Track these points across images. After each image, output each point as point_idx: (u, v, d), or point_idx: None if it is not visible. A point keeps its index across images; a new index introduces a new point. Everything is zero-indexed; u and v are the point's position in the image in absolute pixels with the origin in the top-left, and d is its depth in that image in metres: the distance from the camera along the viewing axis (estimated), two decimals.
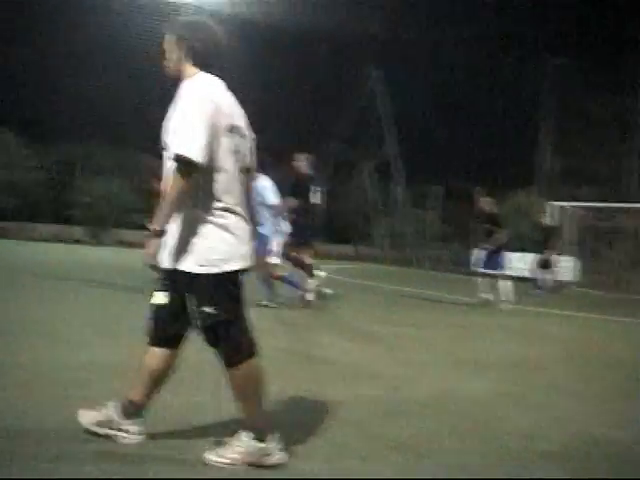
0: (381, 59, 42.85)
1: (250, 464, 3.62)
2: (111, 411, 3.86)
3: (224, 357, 3.71)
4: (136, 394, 3.87)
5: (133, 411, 3.86)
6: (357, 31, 43.25)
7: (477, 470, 3.88)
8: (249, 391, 3.71)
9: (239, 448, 3.65)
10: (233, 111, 3.79)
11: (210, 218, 3.65)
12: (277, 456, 3.67)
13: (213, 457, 3.64)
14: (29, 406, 4.41)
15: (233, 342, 3.68)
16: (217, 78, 3.83)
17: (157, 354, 3.84)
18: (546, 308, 15.14)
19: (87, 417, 3.89)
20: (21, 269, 16.05)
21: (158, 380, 3.87)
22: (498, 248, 14.48)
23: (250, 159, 3.95)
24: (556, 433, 4.72)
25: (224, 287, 3.66)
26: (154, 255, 3.64)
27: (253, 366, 3.71)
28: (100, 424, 3.84)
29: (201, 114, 3.57)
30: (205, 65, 3.82)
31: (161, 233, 3.59)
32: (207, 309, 3.62)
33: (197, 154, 3.51)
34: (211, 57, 3.85)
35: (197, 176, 3.57)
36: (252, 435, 3.65)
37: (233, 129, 3.72)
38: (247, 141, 3.90)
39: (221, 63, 3.91)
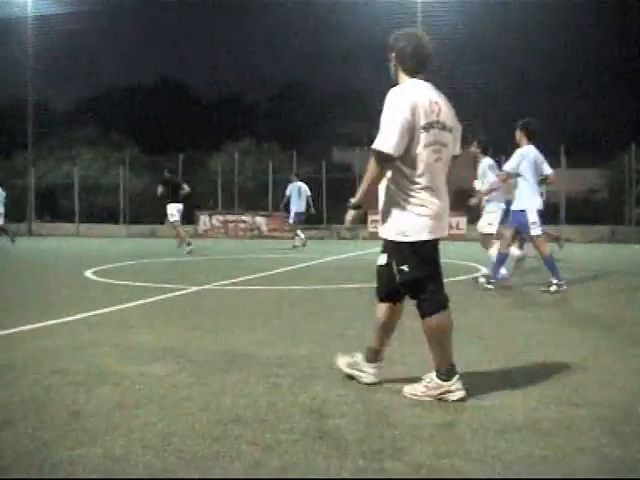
0: None
1: (436, 397, 4.49)
2: (358, 357, 4.95)
3: (418, 309, 4.63)
4: (374, 343, 4.90)
5: (372, 357, 4.89)
6: None
7: None
8: (437, 339, 4.58)
9: (427, 384, 4.56)
10: (434, 109, 4.52)
11: (406, 197, 4.53)
12: (458, 393, 4.48)
13: (408, 390, 4.59)
14: None
15: (425, 296, 4.57)
16: (423, 82, 4.66)
17: (384, 308, 4.79)
18: None
19: (342, 360, 5.07)
20: None
21: (388, 330, 4.87)
22: None
23: (453, 148, 4.75)
24: None
25: (417, 252, 4.52)
26: (349, 224, 4.79)
27: (442, 318, 4.57)
28: (349, 365, 4.98)
29: (397, 116, 4.40)
30: (411, 72, 4.68)
31: (357, 207, 4.68)
32: (404, 268, 4.53)
33: (389, 148, 4.39)
34: (418, 65, 4.68)
35: (394, 164, 4.48)
36: (438, 375, 4.54)
37: (432, 125, 4.50)
38: (451, 133, 4.67)
39: (428, 69, 4.73)
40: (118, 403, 4.40)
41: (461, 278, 12.08)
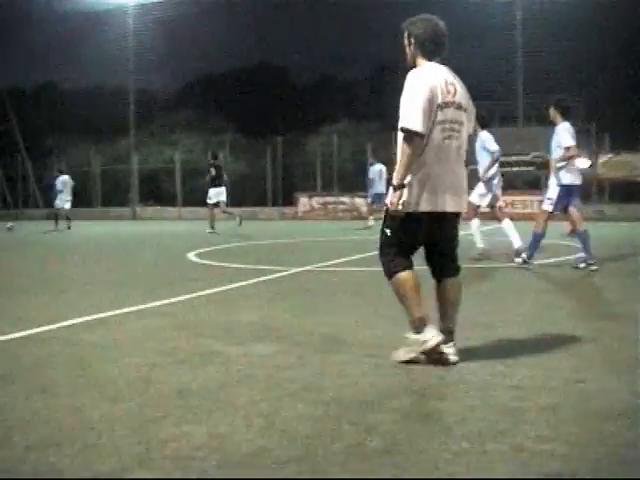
0: None
1: (421, 353, 4.81)
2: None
3: (383, 269, 5.05)
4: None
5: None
6: None
7: None
8: (401, 297, 4.92)
9: (407, 342, 4.91)
10: (450, 90, 4.83)
11: (414, 172, 4.75)
12: (433, 340, 4.73)
13: (395, 355, 4.94)
14: None
15: (388, 259, 4.98)
16: (439, 65, 4.95)
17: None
18: None
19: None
20: None
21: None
22: None
23: (468, 127, 5.03)
24: None
25: (407, 223, 4.80)
26: (395, 203, 4.76)
27: (402, 279, 4.89)
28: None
29: (418, 96, 4.70)
30: (429, 55, 4.95)
31: (401, 186, 4.74)
32: (386, 230, 4.95)
33: (417, 126, 4.66)
34: (433, 49, 4.96)
35: (420, 141, 4.70)
36: (412, 330, 4.87)
37: (448, 104, 4.79)
38: (466, 112, 4.96)
39: (443, 52, 5.01)
40: (222, 382, 4.48)
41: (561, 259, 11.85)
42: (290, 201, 35.23)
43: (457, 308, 5.05)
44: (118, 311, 7.14)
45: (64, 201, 26.35)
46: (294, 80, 57.20)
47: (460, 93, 4.91)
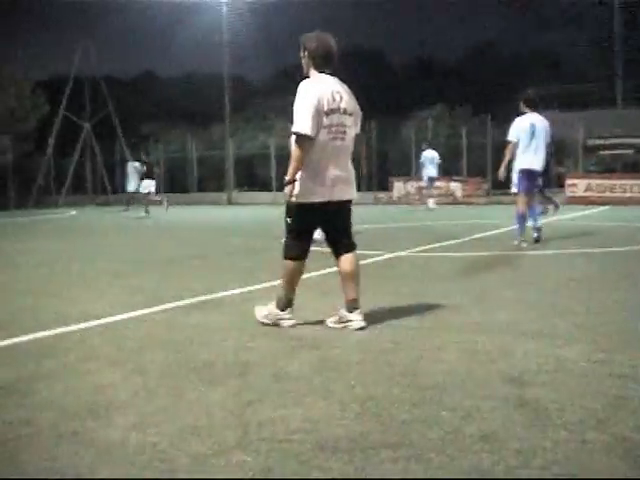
0: None
1: (270, 322, 5.75)
2: (341, 312, 5.76)
3: (283, 251, 5.81)
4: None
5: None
6: None
7: None
8: (285, 277, 5.77)
9: (266, 309, 5.83)
10: (336, 98, 5.55)
11: (305, 169, 5.51)
12: (288, 322, 5.75)
13: (257, 311, 5.92)
14: None
15: (287, 242, 5.75)
16: (328, 76, 5.65)
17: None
18: None
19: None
20: None
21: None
22: None
23: (355, 128, 5.82)
24: None
25: (304, 210, 5.58)
26: (288, 195, 5.55)
27: (292, 266, 5.74)
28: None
29: (307, 104, 5.42)
30: (319, 67, 5.65)
31: (290, 182, 5.51)
32: (288, 220, 5.68)
33: (306, 130, 5.39)
34: (325, 61, 5.66)
35: (310, 143, 5.43)
36: (275, 304, 5.78)
37: (334, 110, 5.52)
38: (352, 116, 5.73)
39: (332, 65, 5.71)
40: (318, 367, 4.50)
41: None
42: (384, 186, 35.11)
43: (356, 279, 5.80)
44: (215, 295, 7.25)
45: (140, 186, 27.32)
46: (389, 64, 56.92)
47: (346, 100, 5.66)
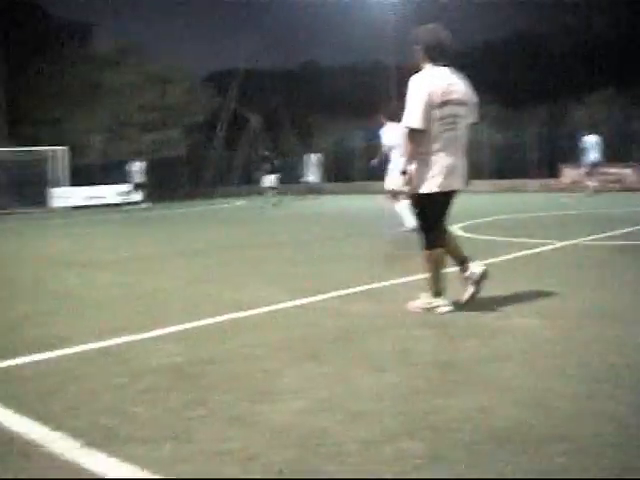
0: None
1: (424, 309, 5.83)
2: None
3: (422, 243, 5.95)
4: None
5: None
6: None
7: None
8: (431, 268, 5.90)
9: (420, 300, 5.93)
10: (449, 89, 5.67)
11: (422, 159, 5.70)
12: (444, 309, 5.79)
13: (410, 304, 5.96)
14: None
15: (426, 234, 5.90)
16: (442, 68, 5.77)
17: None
18: None
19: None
20: None
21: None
22: None
23: (471, 117, 5.94)
24: None
25: (428, 201, 5.79)
26: (403, 186, 5.94)
27: (432, 255, 5.88)
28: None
29: (418, 98, 5.59)
30: (434, 60, 5.79)
31: (403, 172, 5.82)
32: (416, 212, 6.00)
33: (417, 123, 5.60)
34: (439, 54, 5.79)
35: (422, 135, 5.63)
36: (430, 294, 5.88)
37: (447, 102, 5.64)
38: (467, 106, 5.84)
39: (447, 57, 5.82)
40: (484, 356, 4.45)
41: None
42: (554, 173, 34.18)
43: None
44: (382, 283, 7.28)
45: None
46: (554, 48, 55.27)
47: (460, 91, 5.78)
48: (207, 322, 5.79)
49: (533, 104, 38.41)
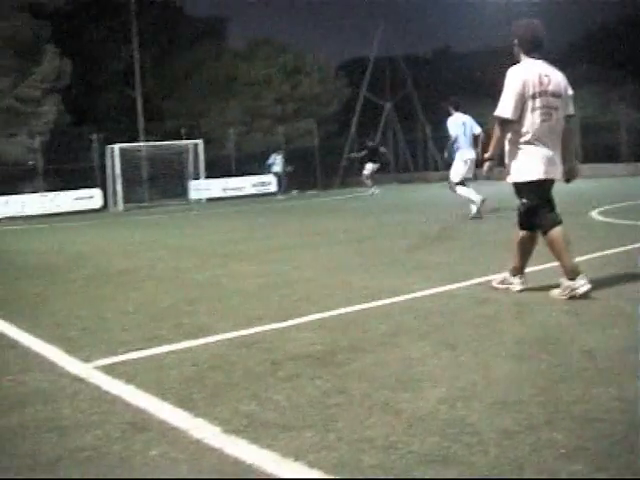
0: None
1: (567, 294, 5.78)
2: (506, 274, 6.33)
3: (538, 229, 6.05)
4: (516, 262, 6.27)
5: (516, 272, 6.28)
6: None
7: None
8: (556, 249, 5.94)
9: (562, 286, 5.87)
10: (543, 81, 5.84)
11: (519, 148, 5.94)
12: (583, 288, 5.73)
13: (556, 293, 5.92)
14: None
15: (539, 219, 6.01)
16: (537, 60, 5.97)
17: (525, 235, 6.19)
18: None
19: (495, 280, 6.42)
20: None
21: (527, 252, 6.26)
22: None
23: (565, 109, 6.04)
24: None
25: (530, 188, 5.97)
26: (486, 171, 6.52)
27: (555, 234, 5.92)
28: (501, 282, 6.33)
29: (512, 89, 5.84)
30: (529, 52, 6.00)
31: (490, 159, 6.27)
32: (524, 200, 6.07)
33: (507, 114, 5.85)
34: (532, 47, 6.00)
35: (511, 125, 5.90)
36: (566, 277, 5.86)
37: (541, 94, 5.83)
38: (561, 98, 5.95)
39: (541, 49, 6.03)
40: (631, 345, 4.31)
41: None
42: None
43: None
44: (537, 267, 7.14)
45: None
46: None
47: (555, 82, 5.92)
48: (346, 310, 5.85)
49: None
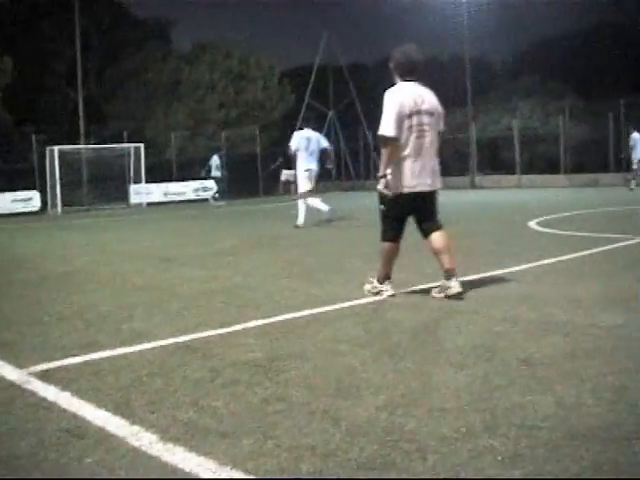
0: None
1: (372, 293, 6.58)
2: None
3: (382, 235, 6.61)
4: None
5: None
6: None
7: None
8: (383, 257, 6.58)
9: (368, 286, 6.71)
10: (417, 102, 6.34)
11: (395, 163, 6.34)
12: (387, 293, 6.51)
13: (364, 288, 6.72)
14: None
15: (383, 228, 6.56)
16: (411, 83, 6.47)
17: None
18: None
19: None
20: None
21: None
22: None
23: (438, 126, 6.53)
24: None
25: (398, 200, 6.38)
26: (382, 188, 6.45)
27: (388, 247, 6.54)
28: (439, 291, 6.45)
29: (390, 109, 6.27)
30: (404, 76, 6.52)
31: (383, 176, 6.40)
32: (382, 207, 6.55)
33: (391, 132, 6.26)
34: (408, 71, 6.52)
35: (396, 142, 6.29)
36: (377, 280, 6.63)
37: (415, 113, 6.31)
38: (433, 116, 6.46)
39: (416, 73, 6.55)
40: (568, 353, 4.38)
41: None
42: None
43: (449, 251, 6.47)
44: (460, 278, 7.20)
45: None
46: (635, 39, 53.88)
47: (427, 102, 6.44)
48: (287, 317, 5.83)
49: (613, 96, 37.56)
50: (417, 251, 9.93)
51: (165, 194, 33.07)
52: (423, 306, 6.06)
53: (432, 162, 6.52)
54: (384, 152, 6.43)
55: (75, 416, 3.65)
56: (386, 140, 6.35)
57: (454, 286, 6.31)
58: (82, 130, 36.53)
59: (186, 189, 33.81)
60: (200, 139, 39.38)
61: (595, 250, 9.06)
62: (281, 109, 44.55)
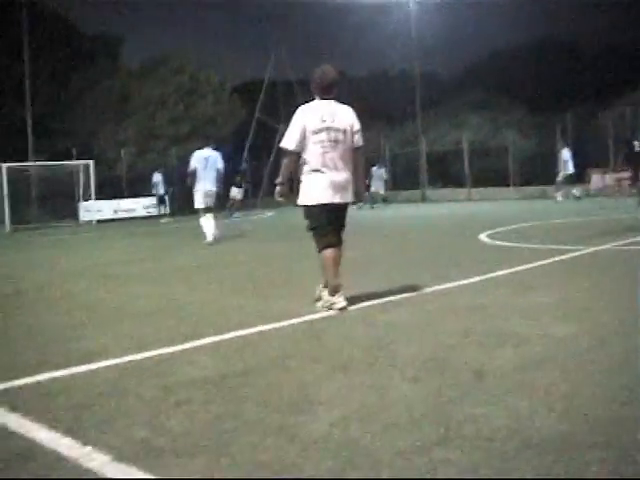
0: None
1: (326, 307, 6.59)
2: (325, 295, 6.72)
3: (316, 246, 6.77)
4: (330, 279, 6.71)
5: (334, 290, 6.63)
6: None
7: None
8: (325, 267, 6.68)
9: (321, 300, 6.71)
10: (326, 119, 6.63)
11: (305, 177, 6.70)
12: (339, 305, 6.49)
13: (319, 305, 6.70)
14: None
15: (316, 239, 6.74)
16: (325, 101, 6.77)
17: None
18: None
19: (318, 303, 6.75)
20: None
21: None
22: None
23: (351, 142, 6.77)
24: None
25: (311, 212, 6.71)
26: (278, 196, 6.98)
27: (326, 254, 6.65)
28: (322, 305, 6.66)
29: (294, 125, 6.65)
30: (320, 94, 6.81)
31: (280, 184, 6.87)
32: (307, 221, 6.78)
33: (290, 145, 6.65)
34: (322, 89, 6.79)
35: (295, 156, 6.69)
36: (327, 291, 6.66)
37: (323, 129, 6.60)
38: (345, 134, 6.70)
39: (331, 92, 6.81)
40: (520, 364, 4.41)
41: None
42: (582, 178, 33.95)
43: (337, 268, 6.67)
44: (410, 293, 7.24)
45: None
46: (581, 52, 54.88)
47: (338, 119, 6.70)
48: (240, 334, 5.80)
49: (561, 109, 38.10)
50: (369, 265, 9.99)
51: (115, 211, 32.82)
52: (375, 320, 6.07)
53: (342, 176, 6.72)
54: (283, 163, 6.83)
55: (24, 438, 3.58)
56: (285, 152, 6.74)
57: (339, 301, 6.54)
58: (30, 147, 36.14)
59: (136, 205, 33.58)
60: (151, 155, 39.15)
61: (546, 261, 9.16)
62: (232, 124, 44.46)
